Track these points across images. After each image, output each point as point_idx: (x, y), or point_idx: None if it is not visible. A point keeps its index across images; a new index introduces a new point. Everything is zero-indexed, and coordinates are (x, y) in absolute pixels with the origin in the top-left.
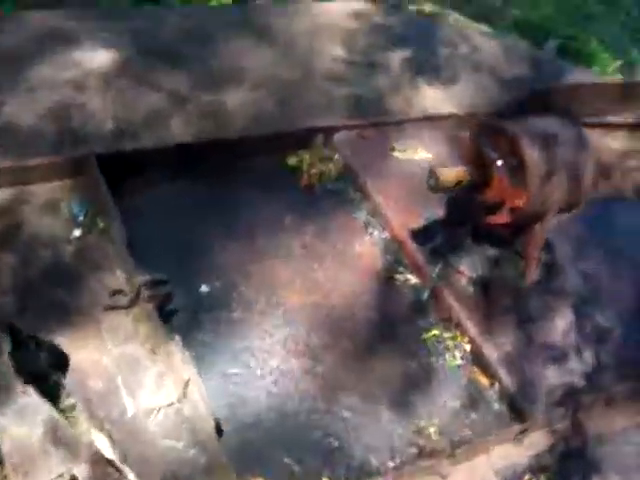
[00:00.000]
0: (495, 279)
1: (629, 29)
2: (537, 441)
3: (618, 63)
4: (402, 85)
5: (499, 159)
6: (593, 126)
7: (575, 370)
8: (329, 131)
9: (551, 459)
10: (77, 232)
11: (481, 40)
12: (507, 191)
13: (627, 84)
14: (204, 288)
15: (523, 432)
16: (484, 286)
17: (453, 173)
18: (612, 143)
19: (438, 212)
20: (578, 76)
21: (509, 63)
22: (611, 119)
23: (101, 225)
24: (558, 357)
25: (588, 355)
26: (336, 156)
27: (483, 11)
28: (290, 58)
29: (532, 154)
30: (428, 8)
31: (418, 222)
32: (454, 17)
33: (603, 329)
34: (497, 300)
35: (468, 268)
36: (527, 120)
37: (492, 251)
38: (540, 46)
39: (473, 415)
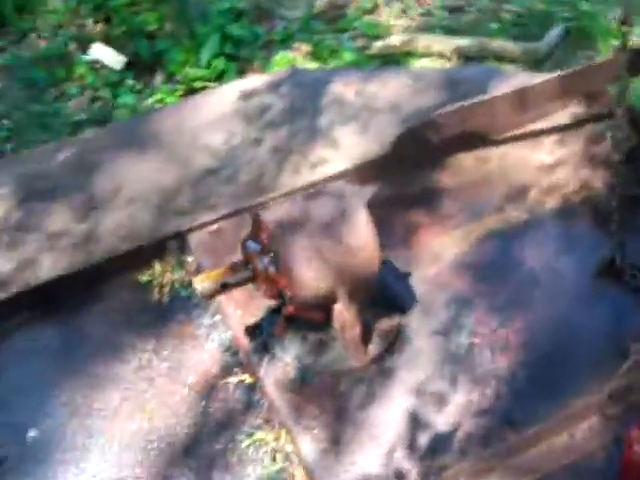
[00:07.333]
0: (322, 366)
1: None
2: None
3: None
4: (287, 155)
5: (260, 250)
6: (514, 139)
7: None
8: (185, 233)
9: None
10: None
11: (385, 77)
12: (273, 282)
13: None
14: (32, 433)
15: None
16: (309, 375)
17: (212, 276)
18: (536, 155)
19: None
20: (503, 85)
21: (414, 95)
22: (537, 125)
23: None
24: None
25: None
26: (190, 259)
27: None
28: (169, 162)
29: (280, 242)
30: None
31: (256, 315)
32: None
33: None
34: (323, 389)
35: (293, 358)
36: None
37: (314, 337)
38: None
39: None
